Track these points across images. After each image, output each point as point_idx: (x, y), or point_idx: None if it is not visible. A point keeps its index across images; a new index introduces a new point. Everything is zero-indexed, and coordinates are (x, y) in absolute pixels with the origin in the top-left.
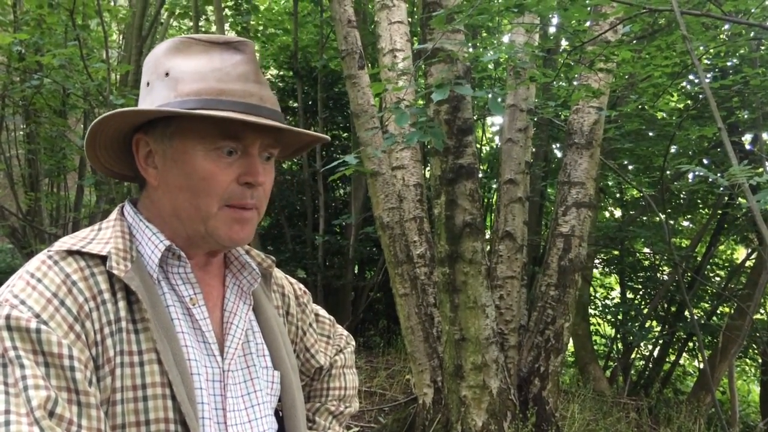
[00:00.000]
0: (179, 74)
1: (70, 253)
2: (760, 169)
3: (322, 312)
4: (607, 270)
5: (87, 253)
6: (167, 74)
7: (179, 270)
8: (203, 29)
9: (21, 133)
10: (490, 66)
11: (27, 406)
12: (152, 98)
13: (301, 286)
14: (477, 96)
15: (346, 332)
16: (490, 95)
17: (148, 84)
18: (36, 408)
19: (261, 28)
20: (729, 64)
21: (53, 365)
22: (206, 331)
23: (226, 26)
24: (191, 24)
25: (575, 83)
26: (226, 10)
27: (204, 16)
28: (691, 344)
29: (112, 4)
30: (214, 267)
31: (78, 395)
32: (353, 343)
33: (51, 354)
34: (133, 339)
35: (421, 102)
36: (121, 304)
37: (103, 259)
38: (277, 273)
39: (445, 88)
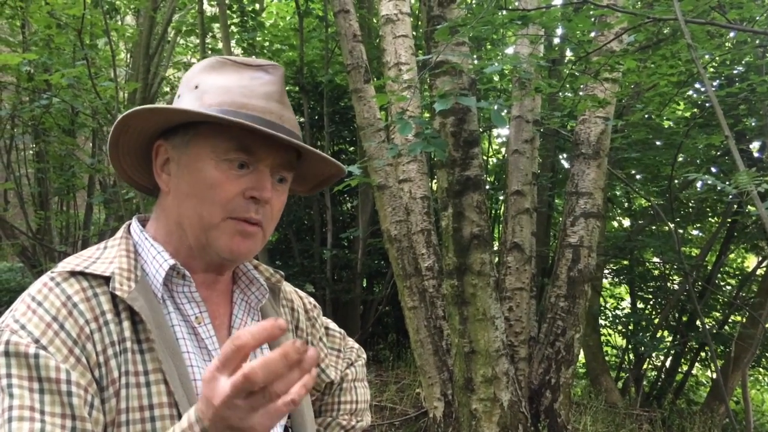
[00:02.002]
0: (207, 87)
1: (73, 274)
2: None
3: (333, 325)
4: (617, 280)
5: (90, 274)
6: (196, 87)
7: (184, 289)
8: (210, 46)
9: (30, 152)
10: (495, 78)
11: None
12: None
13: (311, 299)
14: (481, 107)
15: (356, 345)
16: (495, 107)
17: (179, 96)
18: None
19: (267, 44)
20: (735, 71)
21: (50, 391)
22: (212, 350)
23: (232, 43)
24: (198, 41)
25: (581, 93)
26: (232, 27)
27: (210, 33)
28: (703, 354)
29: (120, 23)
30: (222, 284)
31: (74, 421)
32: (364, 356)
33: (48, 379)
34: (139, 359)
35: (426, 115)
36: (126, 324)
37: (106, 279)
38: (286, 287)
39: (448, 99)
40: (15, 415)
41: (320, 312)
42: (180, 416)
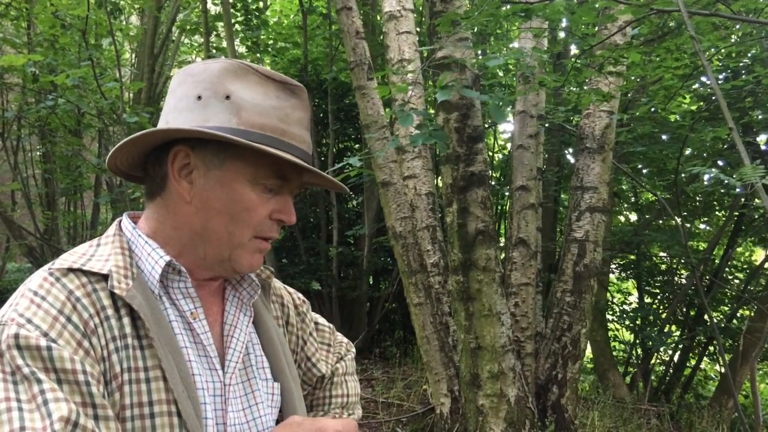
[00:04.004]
0: (241, 102)
1: (71, 270)
2: None
3: (322, 320)
4: (623, 275)
5: (88, 271)
6: (228, 97)
7: (179, 285)
8: (214, 45)
9: (37, 153)
10: (500, 73)
11: (44, 421)
12: (206, 116)
13: (300, 295)
14: (483, 100)
15: (345, 339)
16: (496, 102)
17: (199, 98)
18: (56, 420)
19: (271, 42)
20: (741, 64)
21: (67, 381)
22: (207, 345)
23: (237, 41)
24: (202, 40)
25: (585, 88)
26: (236, 25)
27: (215, 32)
28: (711, 348)
29: (124, 23)
30: (214, 283)
31: (95, 409)
32: (353, 350)
33: (64, 371)
34: (139, 355)
35: (432, 111)
36: (126, 320)
37: (104, 276)
38: (276, 283)
39: (450, 89)
40: (50, 397)
41: (309, 307)
42: (179, 413)
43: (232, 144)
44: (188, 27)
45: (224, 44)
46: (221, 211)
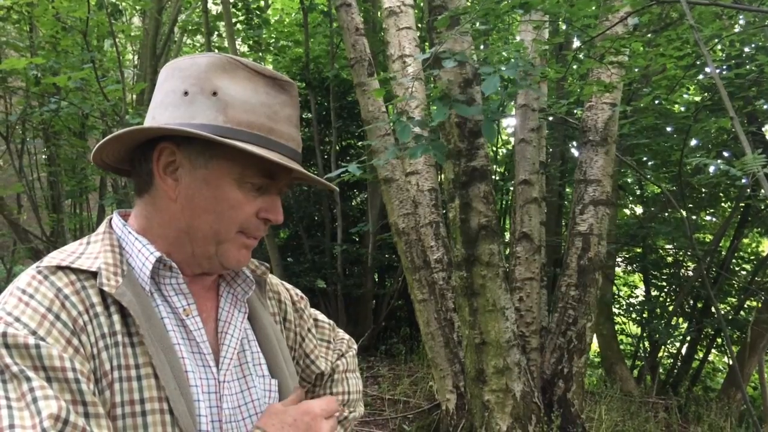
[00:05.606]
0: (229, 98)
1: (60, 268)
2: None
3: (321, 317)
4: (630, 268)
5: (77, 269)
6: (215, 93)
7: (171, 281)
8: (215, 45)
9: (43, 156)
10: (502, 68)
11: (34, 419)
12: (193, 112)
13: (298, 291)
14: (475, 114)
15: (347, 336)
16: (489, 115)
17: (186, 93)
18: (46, 418)
19: (272, 41)
20: (746, 50)
21: (56, 379)
22: (200, 342)
23: (238, 41)
24: (204, 41)
25: (588, 79)
26: (238, 25)
27: (216, 32)
28: (719, 340)
29: (125, 23)
30: (208, 279)
31: (86, 406)
32: (355, 346)
33: (53, 368)
34: (130, 353)
35: (434, 108)
36: (116, 317)
37: (93, 274)
38: (273, 279)
39: (444, 109)
40: (39, 395)
41: (307, 303)
42: (171, 411)
43: (218, 142)
44: (190, 27)
45: (226, 44)
46: (207, 209)
